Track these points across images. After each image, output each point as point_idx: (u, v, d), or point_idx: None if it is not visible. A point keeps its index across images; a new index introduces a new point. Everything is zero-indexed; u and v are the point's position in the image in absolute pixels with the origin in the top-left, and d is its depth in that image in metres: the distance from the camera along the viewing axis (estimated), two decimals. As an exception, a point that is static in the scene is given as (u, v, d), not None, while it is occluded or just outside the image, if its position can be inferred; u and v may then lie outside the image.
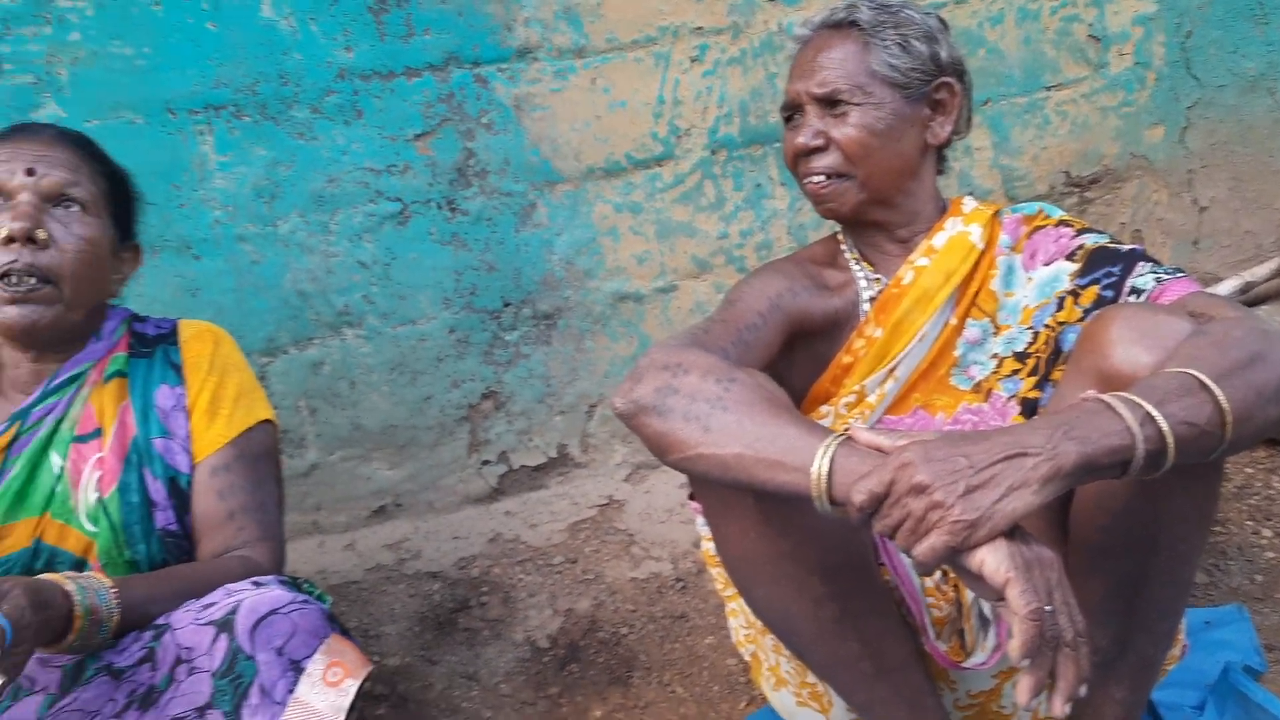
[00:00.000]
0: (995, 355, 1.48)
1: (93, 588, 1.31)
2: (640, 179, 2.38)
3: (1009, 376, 1.46)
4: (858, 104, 1.46)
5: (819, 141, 1.46)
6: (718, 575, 1.45)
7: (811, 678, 1.44)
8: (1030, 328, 1.46)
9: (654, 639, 2.04)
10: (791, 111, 1.52)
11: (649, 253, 2.41)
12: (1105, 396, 1.06)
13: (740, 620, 1.54)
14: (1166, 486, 1.15)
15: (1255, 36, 2.72)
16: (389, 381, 2.27)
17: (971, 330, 1.49)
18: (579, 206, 2.34)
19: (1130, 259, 1.41)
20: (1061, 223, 1.51)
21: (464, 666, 1.97)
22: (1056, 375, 1.42)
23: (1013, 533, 1.02)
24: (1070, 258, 1.46)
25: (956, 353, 1.49)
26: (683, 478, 1.39)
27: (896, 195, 1.51)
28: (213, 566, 1.46)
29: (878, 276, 1.54)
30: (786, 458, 1.10)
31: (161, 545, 1.51)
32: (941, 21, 1.55)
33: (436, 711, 1.90)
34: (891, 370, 1.48)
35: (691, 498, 1.37)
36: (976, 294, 1.49)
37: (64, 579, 1.29)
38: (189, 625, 1.30)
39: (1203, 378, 1.05)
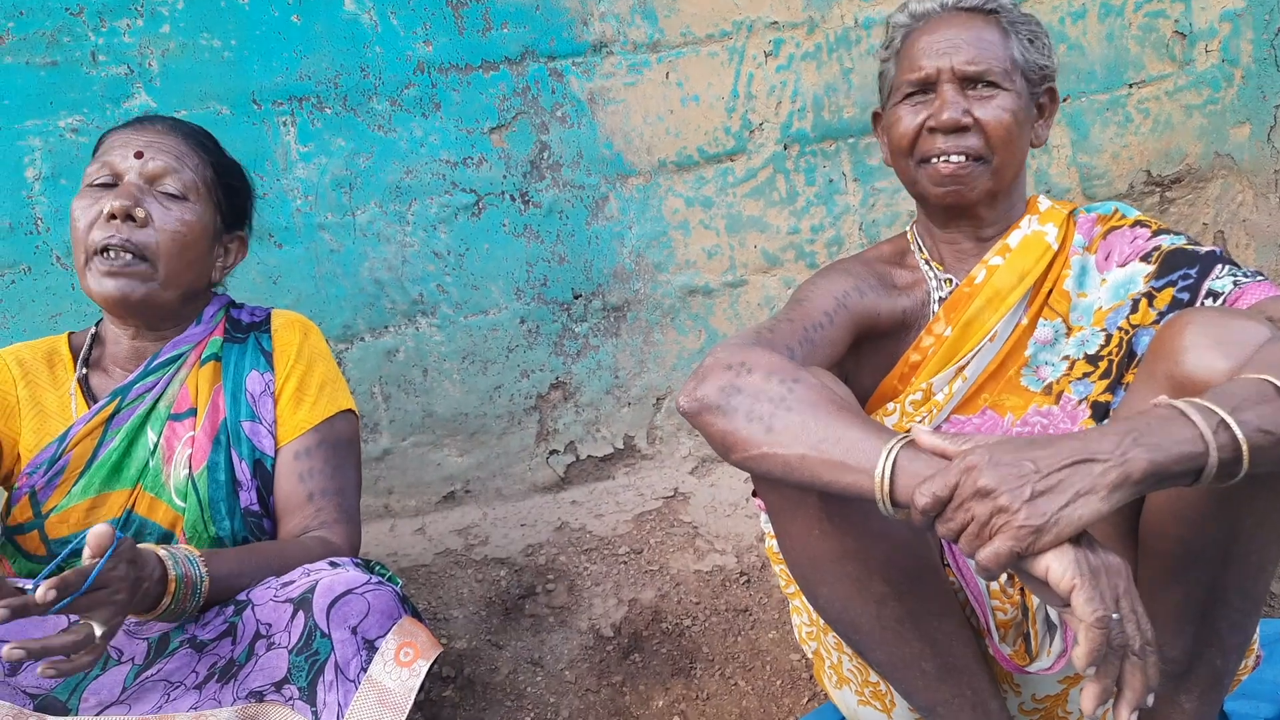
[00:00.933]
0: (1067, 357, 1.45)
1: (184, 558, 1.36)
2: (712, 173, 2.38)
3: (1080, 379, 1.44)
4: (1006, 89, 1.45)
5: (969, 119, 1.44)
6: (781, 572, 1.46)
7: (874, 677, 1.43)
8: (1103, 330, 1.44)
9: (717, 632, 2.05)
10: (918, 89, 1.48)
11: (719, 247, 2.41)
12: (1177, 402, 1.04)
13: (803, 617, 1.54)
14: (1242, 496, 1.13)
15: (1351, 32, 2.62)
16: (461, 370, 2.31)
17: (1043, 330, 1.47)
18: (650, 200, 2.35)
19: (1208, 261, 1.38)
20: (1138, 223, 1.49)
21: (529, 652, 2.00)
22: (1129, 378, 1.40)
23: (1079, 539, 1.01)
24: (1146, 259, 1.43)
25: (1027, 353, 1.47)
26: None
27: (1008, 189, 1.51)
28: (294, 545, 1.52)
29: (948, 276, 1.52)
30: (850, 459, 1.10)
31: (244, 523, 1.58)
32: None
33: (502, 695, 1.94)
34: (961, 369, 1.46)
35: (755, 494, 1.37)
36: (1049, 294, 1.47)
37: (158, 548, 1.35)
38: (268, 602, 1.36)
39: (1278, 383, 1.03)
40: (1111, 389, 1.41)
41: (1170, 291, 1.39)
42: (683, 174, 2.37)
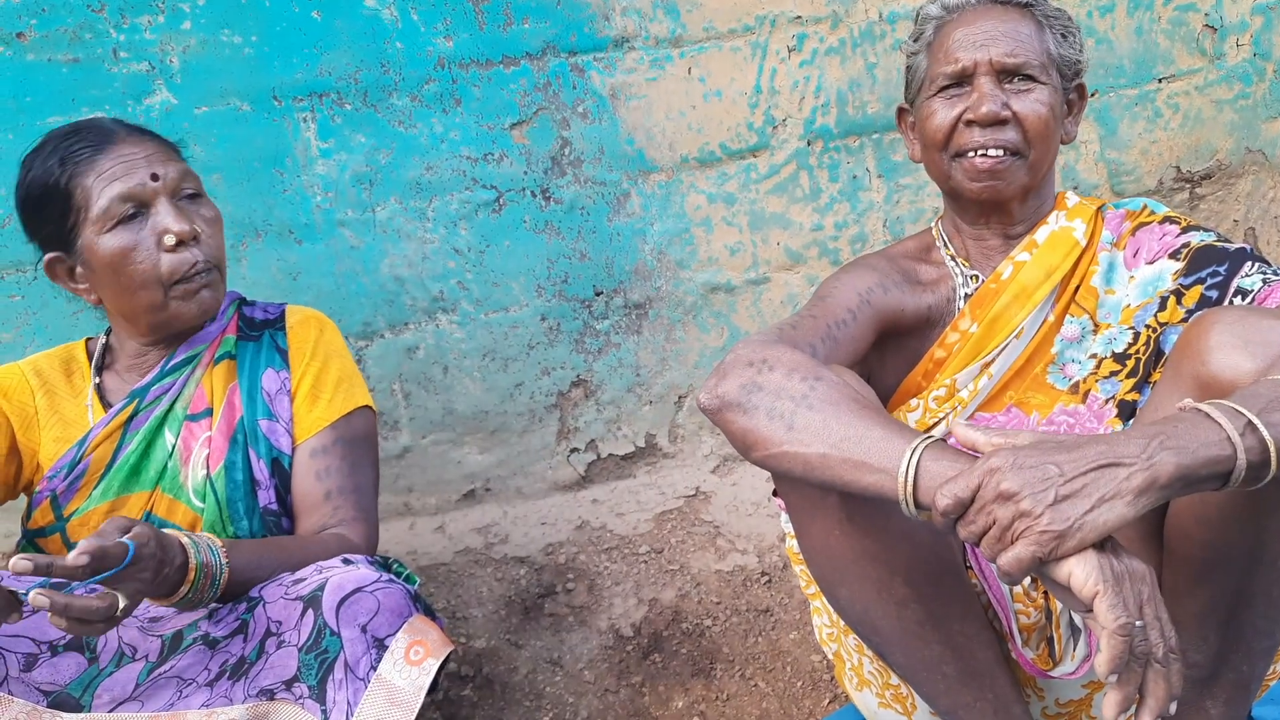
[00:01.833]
0: (1094, 355, 1.43)
1: (206, 546, 1.36)
2: (734, 169, 2.36)
3: (1107, 378, 1.41)
4: (1043, 82, 1.43)
5: (1007, 113, 1.41)
6: (802, 573, 1.44)
7: (895, 679, 1.42)
8: (1131, 328, 1.41)
9: (737, 632, 2.03)
10: (953, 82, 1.45)
11: (741, 244, 2.39)
12: (1204, 405, 1.02)
13: (824, 619, 1.52)
14: (1269, 498, 1.11)
15: (1390, 24, 2.57)
16: (481, 367, 2.30)
17: (1070, 327, 1.44)
18: (672, 196, 2.34)
19: (1238, 258, 1.36)
20: (1166, 219, 1.46)
21: (548, 652, 1.99)
22: (1156, 377, 1.37)
23: (1103, 544, 0.99)
24: (1174, 256, 1.41)
25: (1054, 350, 1.45)
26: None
27: (1039, 186, 1.48)
28: (313, 541, 1.51)
29: (974, 273, 1.50)
30: (872, 459, 1.09)
31: (262, 523, 1.57)
32: None
33: (520, 695, 1.92)
34: (986, 366, 1.44)
35: (776, 494, 1.35)
36: (1077, 290, 1.45)
37: (180, 534, 1.35)
38: (279, 600, 1.35)
39: None
40: (1138, 388, 1.39)
41: (1199, 289, 1.37)
42: (705, 170, 2.35)
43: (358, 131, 2.16)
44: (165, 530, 1.33)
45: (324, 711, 1.26)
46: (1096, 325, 1.44)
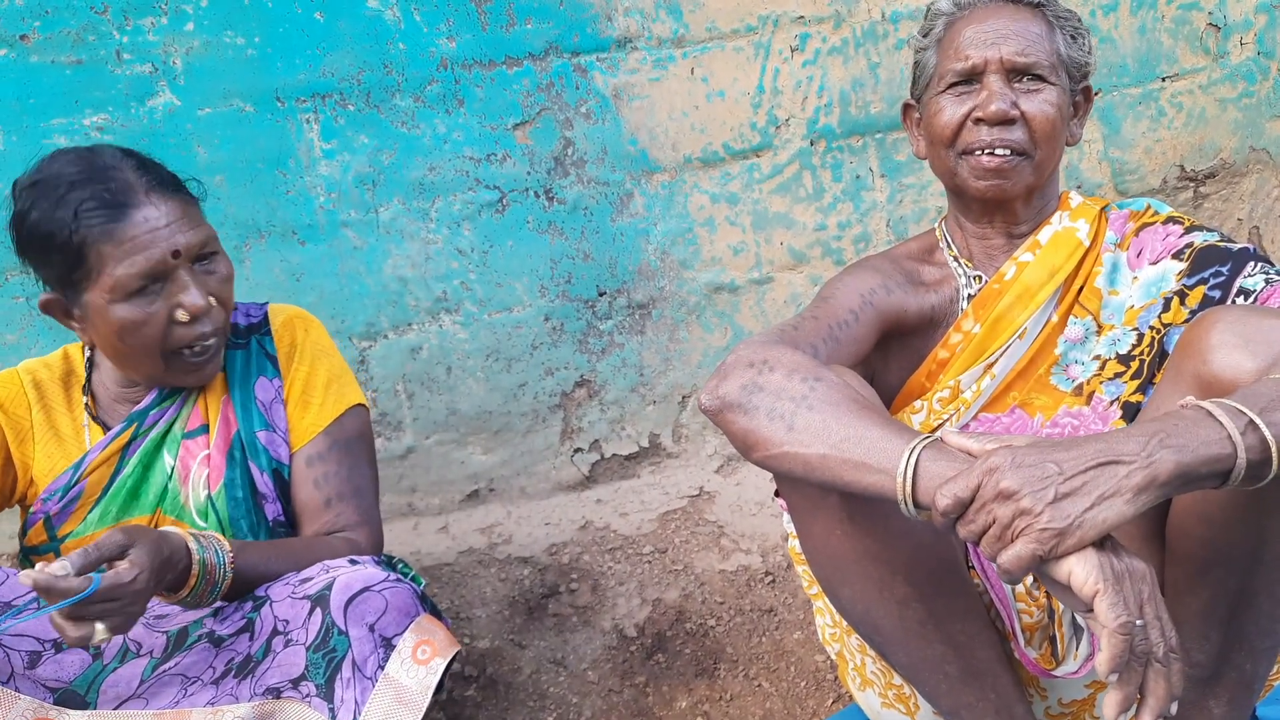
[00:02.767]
0: (1098, 356, 1.43)
1: (212, 547, 1.36)
2: (738, 169, 2.36)
3: (1112, 379, 1.41)
4: (1051, 83, 1.42)
5: (1016, 112, 1.40)
6: (804, 573, 1.44)
7: (898, 679, 1.41)
8: (1135, 329, 1.41)
9: (741, 632, 2.03)
10: (962, 79, 1.44)
11: (745, 244, 2.39)
12: (1205, 403, 1.01)
13: (826, 619, 1.52)
14: (1270, 497, 1.11)
15: (1394, 23, 2.57)
16: (484, 368, 2.30)
17: (1073, 328, 1.44)
18: (675, 196, 2.34)
19: (1241, 258, 1.35)
20: (1170, 220, 1.45)
21: (552, 652, 1.99)
22: (1159, 377, 1.37)
23: (1103, 543, 0.99)
24: (1178, 256, 1.40)
25: (1057, 351, 1.44)
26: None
27: (1044, 185, 1.48)
28: (321, 543, 1.51)
29: (978, 274, 1.50)
30: (871, 459, 1.09)
31: (271, 537, 1.55)
32: None
33: (524, 695, 1.92)
34: (989, 366, 1.44)
35: (778, 494, 1.35)
36: (1080, 291, 1.45)
37: (188, 535, 1.34)
38: (286, 599, 1.35)
39: None
40: (1143, 389, 1.38)
41: (1202, 289, 1.36)
42: (708, 170, 2.35)
43: (360, 132, 2.16)
44: (171, 531, 1.33)
45: (331, 710, 1.26)
46: (1100, 326, 1.44)
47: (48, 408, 1.57)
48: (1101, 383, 1.42)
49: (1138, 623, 0.96)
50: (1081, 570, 0.97)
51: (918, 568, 1.22)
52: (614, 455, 2.40)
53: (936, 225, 1.60)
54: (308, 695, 1.28)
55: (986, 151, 1.41)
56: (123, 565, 1.23)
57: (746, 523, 2.29)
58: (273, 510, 1.55)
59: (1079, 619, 1.33)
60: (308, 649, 1.29)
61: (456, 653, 1.34)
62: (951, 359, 1.46)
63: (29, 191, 1.44)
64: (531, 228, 2.27)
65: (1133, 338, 1.41)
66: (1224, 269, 1.36)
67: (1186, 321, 1.36)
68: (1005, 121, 1.40)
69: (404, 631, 1.30)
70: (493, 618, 2.06)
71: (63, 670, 1.36)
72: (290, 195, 2.16)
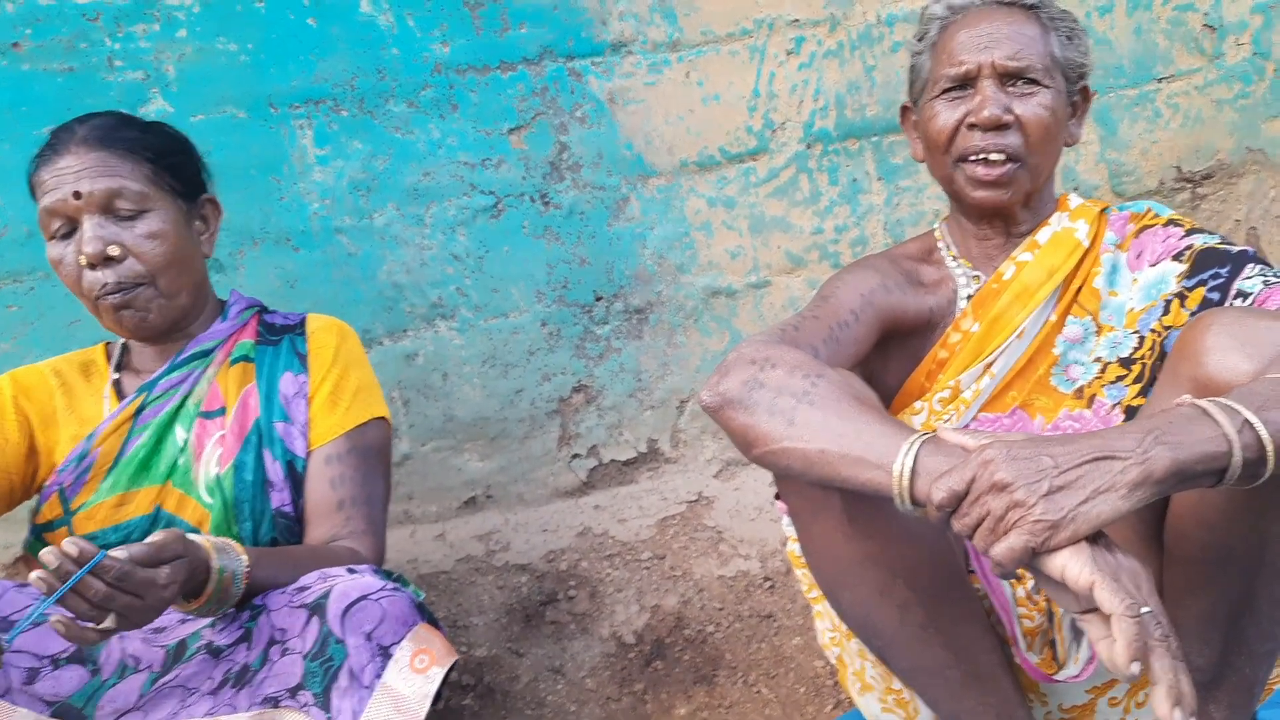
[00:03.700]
0: (1099, 359, 1.42)
1: (231, 558, 1.37)
2: (734, 173, 2.35)
3: (1114, 383, 1.41)
4: (1046, 86, 1.42)
5: (1010, 117, 1.40)
6: (803, 577, 1.43)
7: (897, 684, 1.40)
8: (1136, 332, 1.41)
9: (740, 638, 2.02)
10: (956, 84, 1.44)
11: (742, 248, 2.38)
12: (1201, 401, 1.01)
13: (826, 623, 1.51)
14: (1270, 499, 1.11)
15: (1388, 23, 2.56)
16: (481, 374, 2.29)
17: (1072, 328, 1.44)
18: (672, 200, 2.33)
19: (1240, 260, 1.35)
20: (1170, 222, 1.45)
21: (550, 660, 1.98)
22: None
23: (1097, 539, 0.98)
24: (1178, 258, 1.40)
25: (1056, 350, 1.44)
26: (772, 475, 1.37)
27: (1042, 188, 1.48)
28: (328, 553, 1.51)
29: (976, 274, 1.50)
30: (869, 454, 1.08)
31: (273, 525, 1.56)
32: None
33: (522, 704, 1.91)
34: (988, 366, 1.44)
35: (778, 498, 1.34)
36: (1079, 291, 1.45)
37: (210, 546, 1.34)
38: (283, 608, 1.34)
39: None
40: (1145, 392, 1.38)
41: (1201, 290, 1.36)
42: (704, 174, 2.34)
43: (354, 138, 2.15)
44: (195, 540, 1.33)
45: (329, 719, 1.25)
46: (1099, 327, 1.43)
47: (70, 392, 1.61)
48: (1103, 386, 1.41)
49: (1144, 609, 0.95)
50: (1075, 564, 0.96)
51: (919, 572, 1.22)
52: (612, 461, 2.39)
53: (936, 226, 1.60)
54: (305, 705, 1.27)
55: (982, 161, 1.41)
56: (164, 571, 1.25)
57: (745, 528, 2.28)
58: (279, 499, 1.56)
59: (1076, 622, 1.33)
60: (305, 658, 1.28)
61: (454, 662, 1.33)
62: (951, 358, 1.46)
63: None
64: (527, 232, 2.26)
65: (1134, 341, 1.40)
66: (1223, 271, 1.35)
67: (1186, 323, 1.35)
68: (999, 126, 1.39)
69: (401, 640, 1.29)
70: (490, 626, 2.05)
71: (61, 686, 1.36)
72: (284, 202, 2.15)
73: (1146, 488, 0.97)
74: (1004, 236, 1.50)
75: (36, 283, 2.09)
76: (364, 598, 1.30)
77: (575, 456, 2.38)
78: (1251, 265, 1.34)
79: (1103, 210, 1.50)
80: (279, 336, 1.66)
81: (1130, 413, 1.38)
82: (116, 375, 1.63)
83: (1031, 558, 0.98)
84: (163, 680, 1.36)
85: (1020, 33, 1.41)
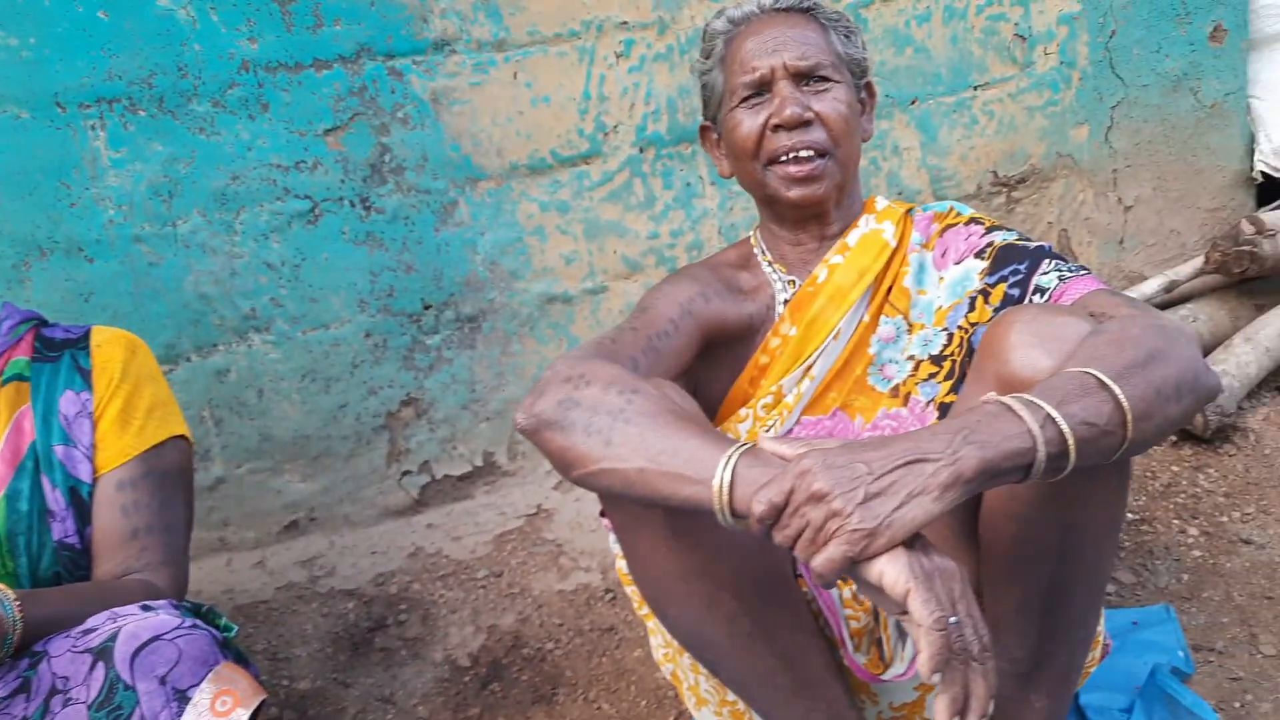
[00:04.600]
0: (911, 356, 1.45)
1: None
2: (567, 177, 2.31)
3: (926, 380, 1.43)
4: (837, 81, 1.45)
5: (810, 114, 1.41)
6: (633, 594, 1.40)
7: (731, 696, 1.39)
8: (944, 329, 1.44)
9: (581, 654, 1.97)
10: (754, 91, 1.45)
11: (577, 253, 2.34)
12: (1004, 399, 1.03)
13: (659, 639, 1.49)
14: (1075, 492, 1.14)
15: (1178, 36, 2.73)
16: (300, 389, 2.16)
17: (885, 327, 1.46)
18: (503, 205, 2.26)
19: (1037, 256, 1.40)
20: (972, 220, 1.50)
21: (379, 689, 1.88)
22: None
23: (913, 543, 0.98)
24: (980, 256, 1.44)
25: (871, 350, 1.46)
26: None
27: (849, 184, 1.50)
28: (115, 589, 1.39)
29: (792, 279, 1.51)
30: (689, 470, 1.06)
31: (56, 559, 1.43)
32: None
33: (350, 736, 1.81)
34: (808, 369, 1.45)
35: (603, 514, 1.30)
36: (889, 291, 1.47)
37: None
38: (66, 653, 1.23)
39: (1102, 377, 1.03)
40: (956, 389, 1.41)
41: (1002, 287, 1.40)
42: (536, 178, 2.28)
43: (154, 140, 2.00)
44: None
45: (116, 775, 1.14)
46: (911, 325, 1.46)
47: None
48: (917, 384, 1.43)
49: (952, 619, 0.96)
50: (892, 570, 0.96)
51: (743, 582, 1.20)
52: (445, 476, 2.31)
53: (751, 233, 1.60)
54: (88, 762, 1.16)
55: (792, 159, 1.43)
56: None
57: (586, 540, 2.23)
58: (60, 530, 1.42)
59: (900, 623, 1.33)
60: (90, 708, 1.17)
61: (263, 701, 1.25)
62: (772, 363, 1.47)
63: None
64: (348, 239, 2.15)
65: (943, 338, 1.44)
66: (1022, 267, 1.40)
67: (991, 320, 1.38)
68: (803, 124, 1.42)
69: (200, 682, 1.20)
70: (314, 656, 1.93)
71: None
72: (75, 209, 1.98)
73: (958, 488, 0.97)
74: (817, 241, 1.51)
75: None
76: (157, 638, 1.21)
77: (406, 473, 2.28)
78: (1048, 260, 1.39)
79: (907, 211, 1.54)
80: (58, 352, 1.52)
81: (943, 409, 1.41)
82: None
83: (851, 566, 0.97)
84: (-70, 737, 1.22)
85: (804, 35, 1.45)
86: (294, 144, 2.08)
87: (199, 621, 1.29)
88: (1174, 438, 2.38)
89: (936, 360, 1.43)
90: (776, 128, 1.42)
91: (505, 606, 2.05)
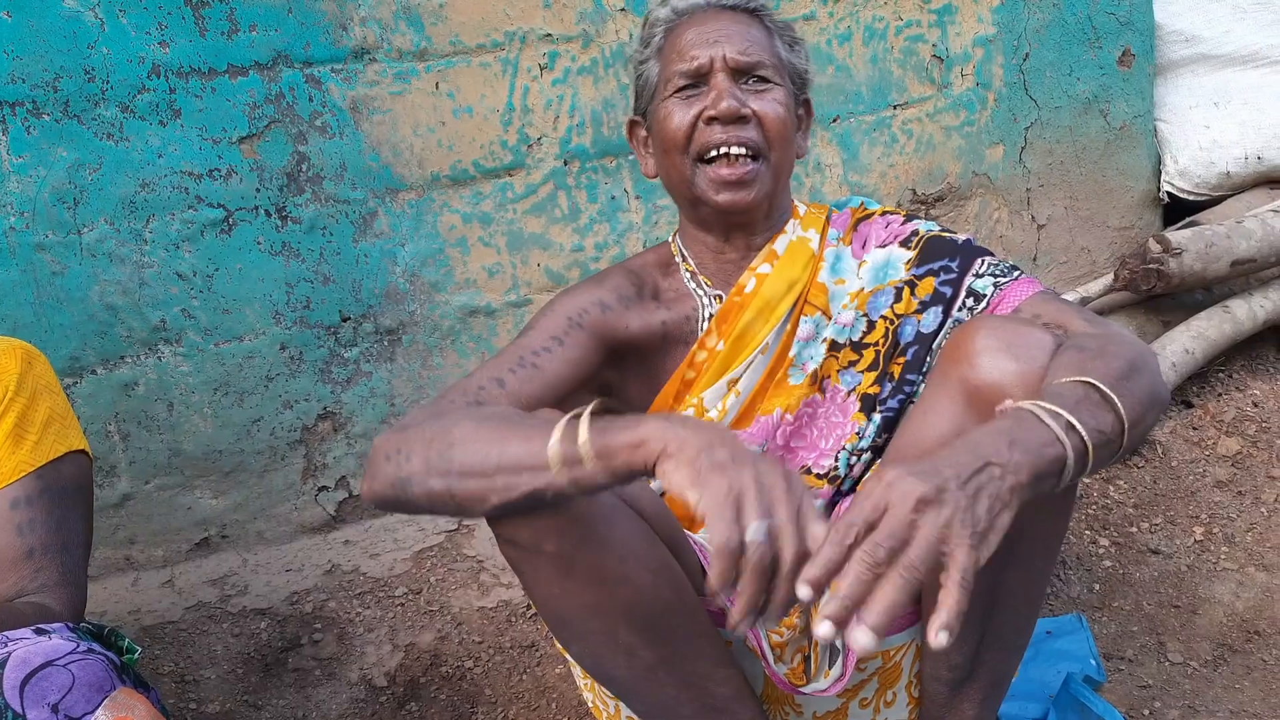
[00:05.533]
0: (827, 340, 1.43)
1: None
2: (490, 188, 2.28)
3: (846, 368, 1.42)
4: (778, 84, 1.41)
5: (747, 110, 1.37)
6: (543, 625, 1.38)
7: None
8: (865, 315, 1.43)
9: (501, 671, 1.94)
10: (690, 82, 1.40)
11: (500, 265, 2.32)
12: (1027, 405, 1.02)
13: (578, 669, 1.46)
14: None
15: (1089, 60, 2.82)
16: (213, 403, 2.10)
17: (804, 327, 1.44)
18: (424, 216, 2.23)
19: (967, 254, 1.41)
20: (885, 212, 1.51)
21: (292, 711, 1.83)
22: (895, 369, 1.40)
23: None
24: (905, 244, 1.44)
25: (792, 353, 1.44)
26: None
27: (779, 195, 1.46)
28: (11, 612, 1.32)
29: (718, 293, 1.48)
30: (525, 460, 1.04)
31: None
32: None
33: (260, 761, 1.75)
34: (733, 383, 1.42)
35: None
36: (807, 292, 1.45)
37: None
38: (-50, 682, 1.16)
39: (1102, 386, 1.04)
40: (879, 381, 1.41)
41: (931, 281, 1.40)
42: (458, 189, 2.26)
43: (58, 145, 1.93)
44: None
45: (-2, 811, 1.09)
46: (829, 318, 1.45)
47: None
48: (837, 370, 1.42)
49: (760, 536, 0.92)
50: (693, 494, 0.94)
51: (638, 612, 1.17)
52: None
53: (671, 239, 1.56)
54: (-29, 796, 1.10)
55: (725, 158, 1.38)
56: None
57: (508, 555, 2.20)
58: None
59: (837, 641, 1.32)
60: (-23, 738, 1.12)
61: (164, 727, 1.20)
62: (698, 378, 1.44)
63: None
64: (263, 249, 2.10)
65: (864, 325, 1.43)
66: (953, 264, 1.40)
67: (917, 311, 1.40)
68: (738, 119, 1.37)
69: (96, 709, 1.15)
70: (224, 678, 1.87)
71: None
72: (-27, 214, 1.90)
73: (1019, 493, 0.96)
74: (742, 251, 1.47)
75: None
76: (50, 664, 1.15)
77: (322, 489, 2.23)
78: (979, 261, 1.40)
79: (827, 216, 1.52)
80: None
81: (866, 400, 1.40)
82: None
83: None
84: None
85: (748, 32, 1.42)
86: (207, 151, 2.02)
87: (95, 645, 1.24)
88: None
89: (857, 348, 1.42)
90: (711, 120, 1.37)
91: (424, 624, 2.01)
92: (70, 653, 1.17)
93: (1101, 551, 2.18)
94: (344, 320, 2.20)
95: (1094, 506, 2.30)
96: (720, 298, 1.47)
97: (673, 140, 1.40)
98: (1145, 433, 1.12)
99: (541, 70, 2.28)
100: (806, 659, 1.38)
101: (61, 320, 1.97)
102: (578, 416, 1.03)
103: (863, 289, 1.44)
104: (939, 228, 1.45)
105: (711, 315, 1.47)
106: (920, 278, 1.41)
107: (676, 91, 1.41)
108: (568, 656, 1.41)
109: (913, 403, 1.38)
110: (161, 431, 2.07)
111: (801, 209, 1.52)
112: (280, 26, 2.04)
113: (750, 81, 1.40)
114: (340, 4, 2.08)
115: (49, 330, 1.96)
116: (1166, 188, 2.98)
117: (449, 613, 2.05)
